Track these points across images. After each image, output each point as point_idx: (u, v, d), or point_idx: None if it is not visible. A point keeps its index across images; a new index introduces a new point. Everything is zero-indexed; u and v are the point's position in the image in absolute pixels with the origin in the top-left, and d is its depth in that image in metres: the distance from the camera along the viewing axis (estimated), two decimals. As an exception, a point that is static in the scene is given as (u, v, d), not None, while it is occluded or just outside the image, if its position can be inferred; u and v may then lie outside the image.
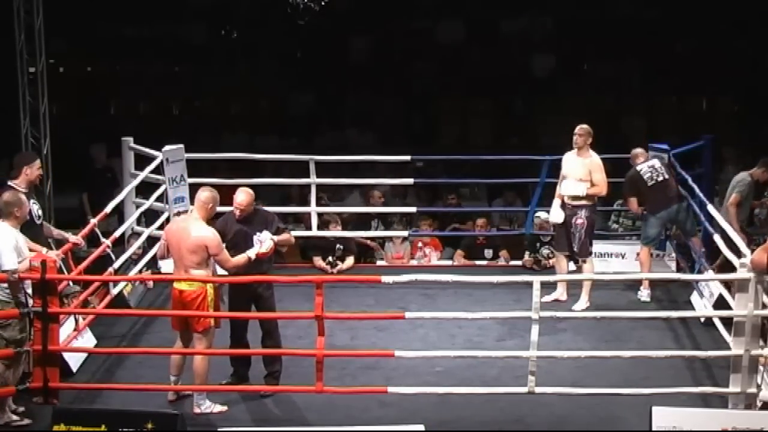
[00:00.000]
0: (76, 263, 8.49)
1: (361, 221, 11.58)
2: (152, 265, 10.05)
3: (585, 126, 9.53)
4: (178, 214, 10.04)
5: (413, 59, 16.61)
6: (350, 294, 9.56)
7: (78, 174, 11.89)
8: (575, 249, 9.57)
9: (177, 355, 7.58)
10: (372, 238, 11.47)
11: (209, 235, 7.37)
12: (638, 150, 10.11)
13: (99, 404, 7.47)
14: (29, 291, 7.33)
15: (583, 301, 9.50)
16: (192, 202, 10.35)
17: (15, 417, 7.25)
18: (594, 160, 9.51)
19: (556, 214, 9.65)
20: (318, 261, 10.88)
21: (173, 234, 7.53)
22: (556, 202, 9.67)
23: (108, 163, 11.64)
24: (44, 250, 7.72)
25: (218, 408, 7.46)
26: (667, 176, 9.84)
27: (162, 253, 7.79)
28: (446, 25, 16.79)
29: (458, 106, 16.74)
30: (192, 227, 7.42)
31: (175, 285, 7.47)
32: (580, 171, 9.48)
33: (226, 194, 12.17)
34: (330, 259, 10.88)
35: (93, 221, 9.10)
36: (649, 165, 9.89)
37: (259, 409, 7.53)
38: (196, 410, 7.42)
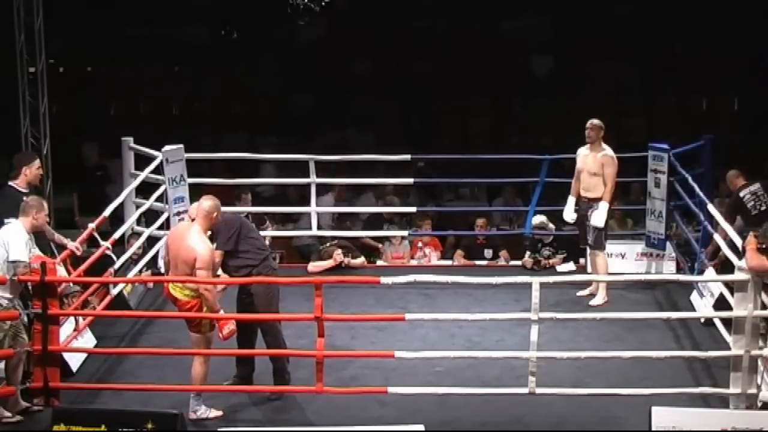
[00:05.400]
0: (75, 265, 8.48)
1: (371, 222, 11.58)
2: (152, 265, 10.05)
3: (595, 120, 9.61)
4: (178, 214, 10.05)
5: (413, 59, 16.61)
6: (350, 294, 9.55)
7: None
8: (590, 242, 9.64)
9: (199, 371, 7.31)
10: (374, 239, 11.46)
11: (201, 249, 7.11)
12: (733, 172, 9.80)
13: (99, 404, 7.46)
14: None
15: (600, 297, 9.56)
16: (192, 201, 10.37)
17: (7, 414, 7.24)
18: (607, 153, 9.58)
19: (568, 213, 9.73)
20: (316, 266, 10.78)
21: (173, 239, 7.38)
22: (571, 201, 9.73)
23: (100, 162, 11.62)
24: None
25: (214, 413, 7.32)
26: None
27: (166, 258, 7.53)
28: (445, 25, 16.79)
29: (458, 106, 16.73)
30: (189, 236, 7.19)
31: (171, 290, 7.27)
32: (594, 165, 9.57)
33: (226, 194, 12.19)
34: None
35: (91, 226, 9.09)
36: (751, 191, 9.53)
37: (258, 410, 7.52)
38: (192, 416, 7.25)
